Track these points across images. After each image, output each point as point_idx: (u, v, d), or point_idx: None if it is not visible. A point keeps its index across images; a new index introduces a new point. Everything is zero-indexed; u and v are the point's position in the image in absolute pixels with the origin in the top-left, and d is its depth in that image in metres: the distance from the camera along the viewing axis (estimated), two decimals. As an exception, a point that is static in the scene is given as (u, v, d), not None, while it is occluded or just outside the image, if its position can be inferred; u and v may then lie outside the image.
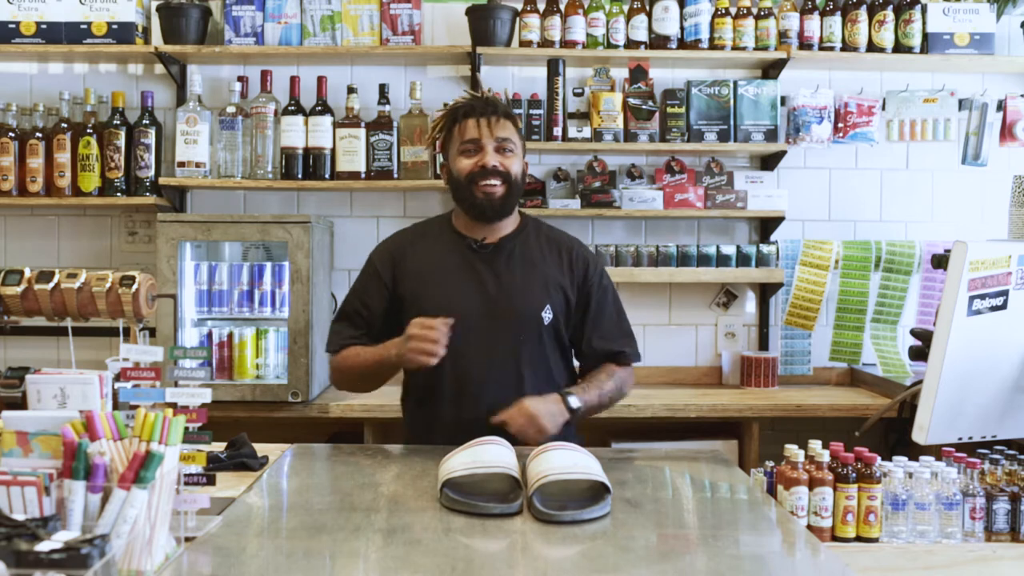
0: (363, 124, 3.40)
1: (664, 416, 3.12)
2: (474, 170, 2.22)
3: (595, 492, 1.61)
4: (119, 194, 3.38)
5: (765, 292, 3.62)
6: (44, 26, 3.35)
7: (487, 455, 1.68)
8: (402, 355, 2.09)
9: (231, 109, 3.37)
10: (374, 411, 3.06)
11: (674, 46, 3.41)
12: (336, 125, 3.40)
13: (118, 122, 3.38)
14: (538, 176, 3.55)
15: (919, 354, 2.44)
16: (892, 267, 3.52)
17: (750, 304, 3.66)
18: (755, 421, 3.14)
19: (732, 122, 3.46)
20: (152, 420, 1.27)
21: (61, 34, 3.35)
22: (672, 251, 3.42)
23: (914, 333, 2.54)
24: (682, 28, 3.41)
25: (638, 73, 3.48)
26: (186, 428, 1.38)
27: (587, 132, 3.43)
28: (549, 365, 2.27)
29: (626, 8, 3.43)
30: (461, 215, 2.32)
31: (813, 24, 3.42)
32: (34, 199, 3.36)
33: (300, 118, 3.37)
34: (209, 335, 3.24)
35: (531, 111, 3.41)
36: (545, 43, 3.40)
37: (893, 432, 2.61)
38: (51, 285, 1.78)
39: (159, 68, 3.52)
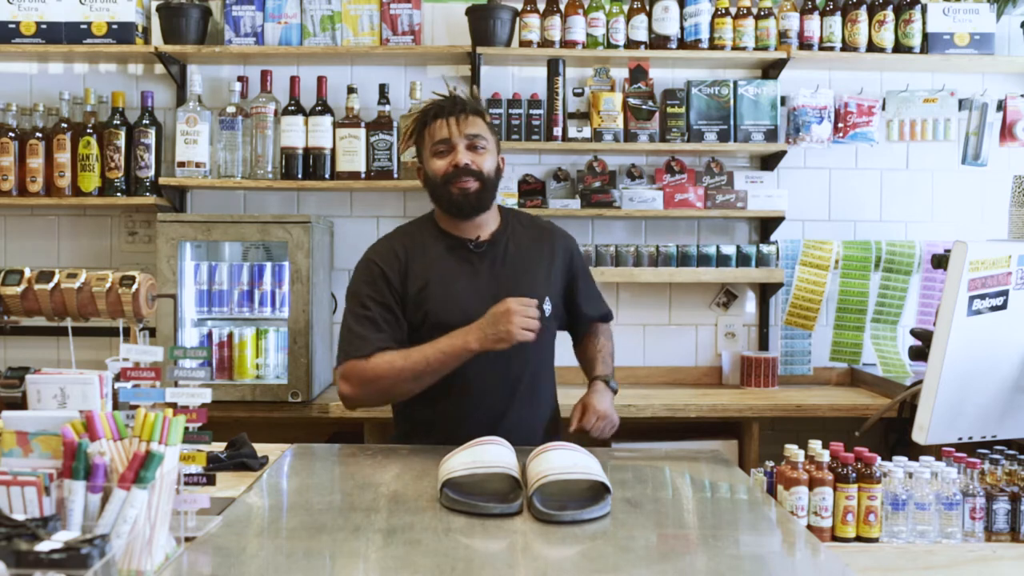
0: (363, 124, 3.40)
1: (664, 416, 3.12)
2: (448, 170, 2.22)
3: (595, 492, 1.61)
4: (119, 194, 3.38)
5: (765, 292, 3.62)
6: (44, 26, 3.35)
7: (487, 455, 1.68)
8: (491, 337, 2.04)
9: (231, 109, 3.37)
10: (374, 411, 3.06)
11: (674, 46, 3.41)
12: (336, 125, 3.40)
13: (118, 122, 3.38)
14: (538, 176, 3.55)
15: (919, 354, 2.44)
16: (892, 267, 3.52)
17: (750, 304, 3.66)
18: (755, 421, 3.14)
19: (732, 122, 3.46)
20: (152, 420, 1.27)
21: (61, 34, 3.35)
22: (672, 251, 3.42)
23: (914, 333, 2.54)
24: (682, 28, 3.41)
25: (638, 73, 3.48)
26: (186, 428, 1.38)
27: (587, 132, 3.43)
28: (548, 355, 2.35)
29: (626, 8, 3.43)
30: (443, 215, 2.32)
31: (813, 24, 3.42)
32: (34, 199, 3.36)
33: (300, 118, 3.37)
34: (209, 335, 3.24)
35: (531, 111, 3.41)
36: (545, 43, 3.40)
37: (893, 432, 2.61)
38: (51, 285, 1.78)
39: (159, 68, 3.52)
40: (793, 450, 1.82)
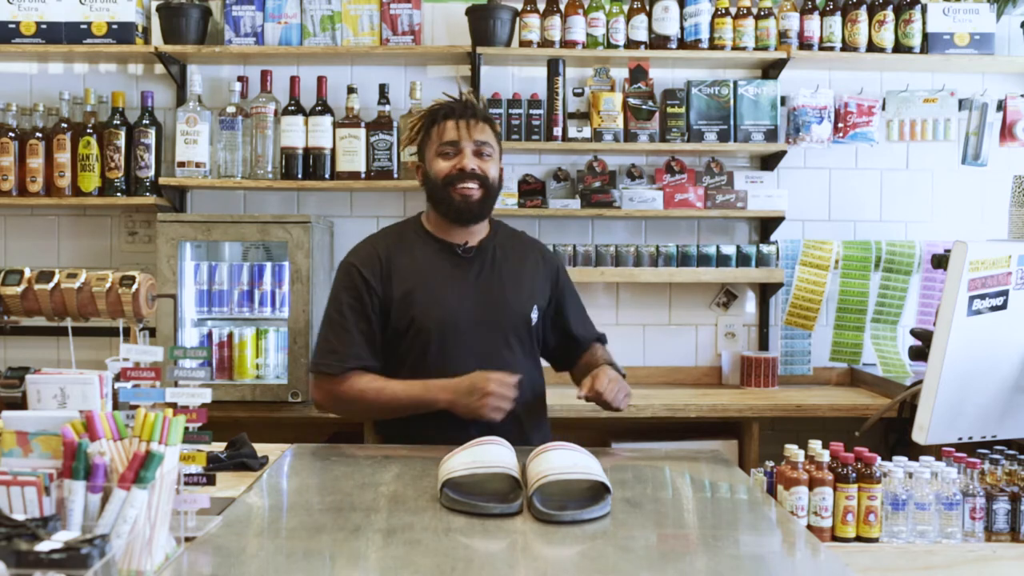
0: (363, 124, 3.40)
1: (664, 416, 3.12)
2: (452, 172, 2.21)
3: (595, 492, 1.61)
4: (119, 194, 3.38)
5: (765, 292, 3.62)
6: (44, 26, 3.35)
7: (487, 455, 1.68)
8: (462, 405, 2.07)
9: (231, 109, 3.37)
10: (374, 411, 3.06)
11: (674, 46, 3.41)
12: (336, 125, 3.40)
13: (118, 122, 3.38)
14: (538, 176, 3.55)
15: (919, 354, 2.44)
16: (892, 267, 3.52)
17: (750, 304, 3.66)
18: (755, 421, 3.14)
19: (732, 122, 3.46)
20: (152, 420, 1.27)
21: (61, 34, 3.35)
22: (672, 251, 3.42)
23: (914, 333, 2.54)
24: (682, 28, 3.41)
25: (638, 73, 3.48)
26: (186, 428, 1.38)
27: (587, 132, 3.43)
28: (534, 364, 2.33)
29: (626, 8, 3.43)
30: (434, 218, 2.30)
31: (813, 24, 3.42)
32: (34, 199, 3.36)
33: (300, 118, 3.37)
34: (209, 335, 3.24)
35: (531, 111, 3.41)
36: (545, 43, 3.40)
37: (893, 432, 2.61)
38: (51, 285, 1.78)
39: (159, 68, 3.52)
40: (793, 450, 1.82)
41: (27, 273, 1.80)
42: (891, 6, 3.44)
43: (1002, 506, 1.82)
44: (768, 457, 2.03)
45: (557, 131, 3.39)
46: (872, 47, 3.44)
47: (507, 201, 3.40)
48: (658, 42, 3.41)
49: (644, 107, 3.45)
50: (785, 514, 1.67)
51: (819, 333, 3.58)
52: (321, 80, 3.41)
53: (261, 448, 2.03)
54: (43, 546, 1.02)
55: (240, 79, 3.44)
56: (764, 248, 3.45)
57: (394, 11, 3.41)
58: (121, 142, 3.37)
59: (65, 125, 3.38)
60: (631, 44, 3.41)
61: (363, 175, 3.39)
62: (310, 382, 2.22)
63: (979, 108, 3.48)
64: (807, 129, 3.45)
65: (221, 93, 3.50)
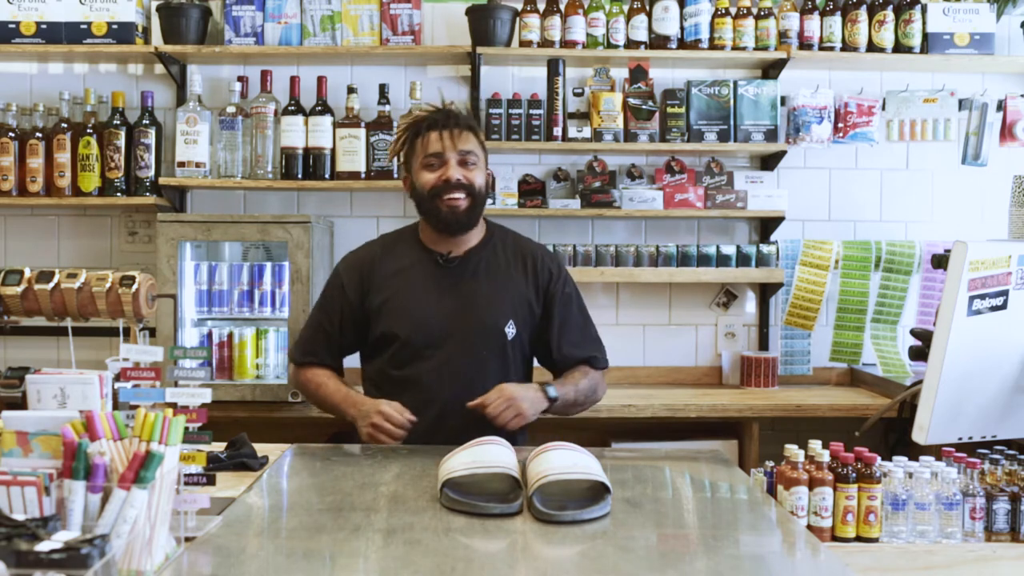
0: (363, 124, 3.40)
1: (664, 416, 3.12)
2: (438, 184, 2.23)
3: (595, 492, 1.61)
4: (119, 194, 3.38)
5: (765, 292, 3.62)
6: (44, 26, 3.35)
7: (487, 455, 1.68)
8: (358, 426, 2.20)
9: (231, 109, 3.37)
10: (374, 411, 3.06)
11: (674, 46, 3.41)
12: (336, 125, 3.40)
13: (118, 122, 3.38)
14: (538, 176, 3.55)
15: (919, 354, 2.44)
16: (892, 267, 3.52)
17: (750, 304, 3.66)
18: (755, 421, 3.14)
19: (732, 122, 3.46)
20: (152, 420, 1.27)
21: (61, 34, 3.35)
22: (672, 251, 3.42)
23: (914, 333, 2.54)
24: (682, 28, 3.41)
25: (638, 73, 3.48)
26: (186, 428, 1.38)
27: (587, 132, 3.43)
28: (515, 377, 2.28)
29: (626, 8, 3.43)
30: (424, 227, 2.34)
31: (813, 24, 3.42)
32: (34, 199, 3.36)
33: (300, 118, 3.37)
34: (209, 335, 3.24)
35: (531, 111, 3.41)
36: (545, 43, 3.40)
37: (893, 432, 2.61)
38: (51, 285, 1.78)
39: (159, 68, 3.52)
40: (793, 450, 1.82)
41: (27, 273, 1.81)
42: (891, 6, 3.44)
43: (1002, 506, 1.82)
44: (768, 457, 2.04)
45: (557, 131, 3.39)
46: (872, 47, 3.44)
47: (507, 201, 3.40)
48: (658, 42, 3.41)
49: (644, 107, 3.45)
50: (785, 514, 1.67)
51: (819, 333, 3.58)
52: (321, 80, 3.41)
53: (261, 448, 2.03)
54: (43, 546, 1.02)
55: (240, 79, 3.44)
56: (764, 248, 3.45)
57: (394, 11, 3.41)
58: (121, 142, 3.37)
59: (65, 125, 3.37)
60: (631, 44, 3.41)
61: (363, 175, 3.39)
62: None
63: (979, 108, 3.48)
64: (807, 129, 3.45)
65: (221, 93, 3.50)
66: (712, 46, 3.41)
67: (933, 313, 3.27)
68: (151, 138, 3.39)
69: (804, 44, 3.43)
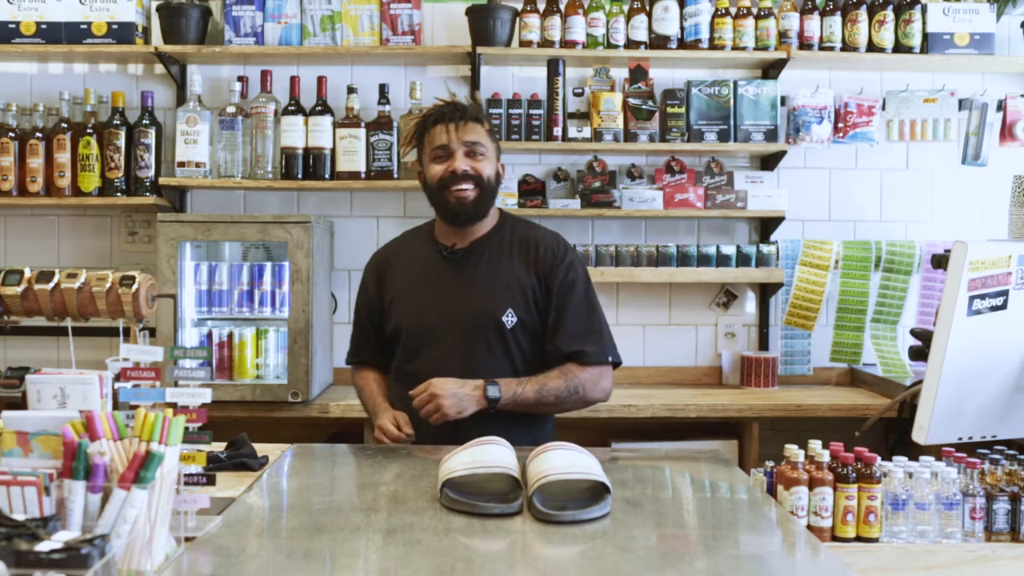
0: (363, 124, 3.40)
1: (664, 416, 3.12)
2: (445, 176, 2.24)
3: (595, 492, 1.61)
4: (119, 194, 3.38)
5: (765, 292, 3.62)
6: (44, 26, 3.35)
7: (487, 455, 1.68)
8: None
9: (231, 109, 3.37)
10: (374, 411, 3.06)
11: (674, 46, 3.41)
12: (336, 125, 3.40)
13: (118, 122, 3.38)
14: (538, 176, 3.55)
15: (919, 354, 2.44)
16: (892, 267, 3.52)
17: (750, 304, 3.66)
18: (755, 421, 3.14)
19: (732, 122, 3.46)
20: (152, 420, 1.27)
21: (61, 34, 3.35)
22: (672, 251, 3.42)
23: (914, 333, 2.54)
24: (682, 28, 3.41)
25: (638, 73, 3.48)
26: (186, 428, 1.38)
27: (587, 132, 3.43)
28: (516, 371, 2.24)
29: (626, 8, 3.43)
30: (440, 221, 2.36)
31: (813, 24, 3.42)
32: (34, 199, 3.36)
33: (300, 118, 3.37)
34: (209, 335, 3.24)
35: (531, 111, 3.41)
36: (545, 43, 3.40)
37: (893, 432, 2.61)
38: (51, 285, 1.78)
39: (159, 68, 3.52)
40: (793, 450, 1.82)
41: (27, 273, 1.80)
42: (891, 6, 3.44)
43: (1002, 506, 1.82)
44: (768, 457, 2.03)
45: (557, 131, 3.39)
46: (872, 47, 3.44)
47: (507, 201, 3.40)
48: (658, 42, 3.41)
49: (644, 107, 3.45)
50: (785, 514, 1.67)
51: (819, 333, 3.58)
52: (321, 80, 3.41)
53: (261, 448, 2.03)
54: (43, 546, 1.02)
55: (240, 79, 3.44)
56: (764, 248, 3.45)
57: (394, 11, 3.41)
58: (121, 142, 3.37)
59: (65, 125, 3.37)
60: (631, 44, 3.41)
61: (363, 175, 3.39)
62: None
63: (979, 108, 3.48)
64: (807, 129, 3.45)
65: (221, 93, 3.50)
66: (712, 46, 3.41)
67: (933, 313, 3.28)
68: (151, 138, 3.39)
69: (804, 44, 3.43)
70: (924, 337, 2.45)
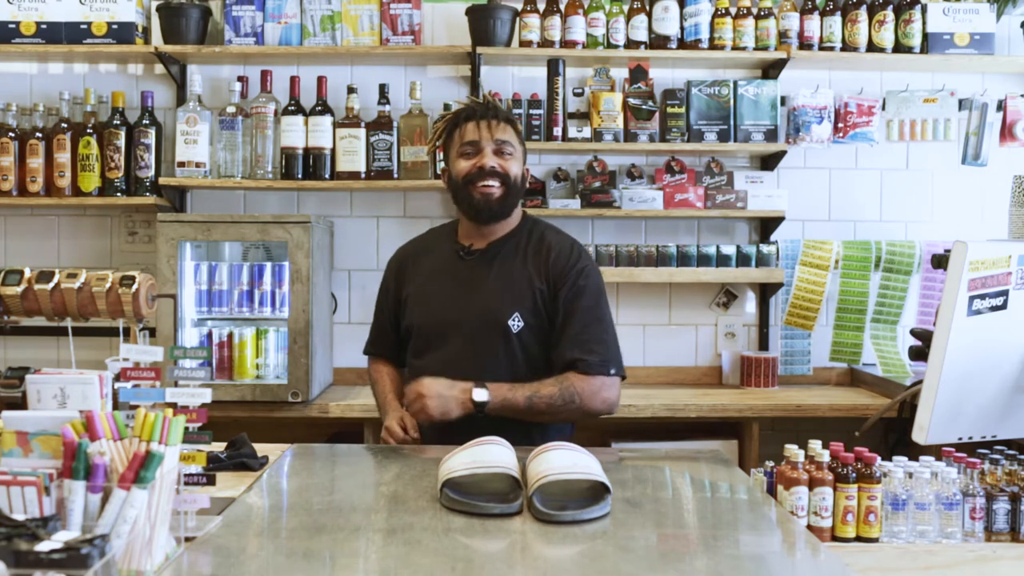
0: (363, 124, 3.40)
1: (664, 416, 3.12)
2: (471, 171, 2.24)
3: (595, 492, 1.61)
4: (119, 194, 3.38)
5: (765, 292, 3.62)
6: (44, 26, 3.35)
7: (487, 455, 1.68)
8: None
9: (231, 109, 3.37)
10: (374, 411, 3.04)
11: (674, 46, 3.41)
12: (336, 125, 3.40)
13: (118, 122, 3.38)
14: (538, 176, 3.55)
15: (919, 354, 2.44)
16: (892, 267, 3.52)
17: (750, 304, 3.66)
18: (755, 421, 3.14)
19: (732, 122, 3.46)
20: (152, 420, 1.27)
21: (61, 34, 3.35)
22: (672, 251, 3.42)
23: (914, 333, 2.54)
24: (682, 28, 3.41)
25: (638, 73, 3.48)
26: (186, 428, 1.38)
27: (587, 132, 3.43)
28: (521, 375, 2.21)
29: (626, 8, 3.43)
30: (462, 219, 2.36)
31: (813, 24, 3.42)
32: (34, 199, 3.36)
33: (300, 118, 3.37)
34: (209, 335, 3.24)
35: (531, 111, 3.41)
36: (545, 43, 3.40)
37: (893, 432, 2.61)
38: (51, 285, 1.78)
39: (159, 68, 3.52)
40: (793, 450, 1.82)
41: (27, 273, 1.80)
42: (891, 6, 3.44)
43: (1002, 506, 1.82)
44: (768, 457, 2.03)
45: (557, 131, 3.39)
46: (872, 47, 3.44)
47: (507, 201, 3.40)
48: (658, 42, 3.41)
49: (644, 107, 3.45)
50: (785, 514, 1.67)
51: (819, 333, 3.58)
52: (321, 80, 3.41)
53: (261, 448, 2.03)
54: (43, 546, 1.02)
55: (240, 79, 3.44)
56: (764, 248, 3.45)
57: (394, 11, 3.41)
58: (121, 142, 3.37)
59: (65, 125, 3.37)
60: (631, 44, 3.41)
61: (363, 175, 3.39)
62: None
63: (979, 108, 3.48)
64: (807, 129, 3.45)
65: (221, 93, 3.50)
66: (712, 46, 3.41)
67: (933, 313, 3.28)
68: (151, 138, 3.39)
69: (804, 44, 3.43)
70: (924, 337, 2.45)
